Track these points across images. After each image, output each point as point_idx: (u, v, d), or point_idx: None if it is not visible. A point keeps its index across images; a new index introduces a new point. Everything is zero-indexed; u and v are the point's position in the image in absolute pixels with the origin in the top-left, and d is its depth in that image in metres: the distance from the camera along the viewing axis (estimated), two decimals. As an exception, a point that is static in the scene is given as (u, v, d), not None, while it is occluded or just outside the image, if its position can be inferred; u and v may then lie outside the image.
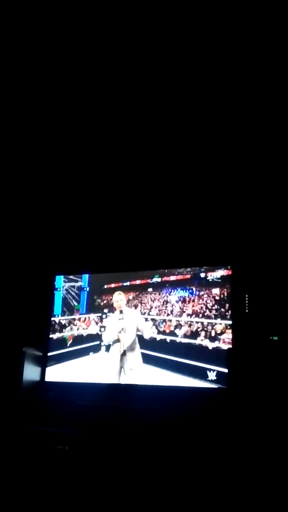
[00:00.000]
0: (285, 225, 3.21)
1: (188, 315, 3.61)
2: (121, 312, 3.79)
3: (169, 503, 2.63)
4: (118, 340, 3.75)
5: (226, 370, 3.07)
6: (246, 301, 3.18)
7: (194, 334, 3.49)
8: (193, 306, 3.61)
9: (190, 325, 3.56)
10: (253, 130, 2.94)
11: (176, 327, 3.61)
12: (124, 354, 3.70)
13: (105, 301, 3.95)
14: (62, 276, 4.15)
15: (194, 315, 3.58)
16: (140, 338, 3.68)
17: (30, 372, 3.72)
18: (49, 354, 3.94)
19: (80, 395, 3.62)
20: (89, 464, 2.96)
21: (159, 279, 3.82)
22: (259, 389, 2.67)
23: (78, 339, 3.96)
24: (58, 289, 4.13)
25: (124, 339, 3.74)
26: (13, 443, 3.22)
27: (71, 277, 4.13)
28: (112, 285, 3.95)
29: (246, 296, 3.18)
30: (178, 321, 3.59)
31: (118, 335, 3.75)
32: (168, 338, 3.60)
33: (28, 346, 3.71)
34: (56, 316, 4.08)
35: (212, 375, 3.28)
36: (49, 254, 4.06)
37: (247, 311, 3.16)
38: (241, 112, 2.82)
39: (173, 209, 3.65)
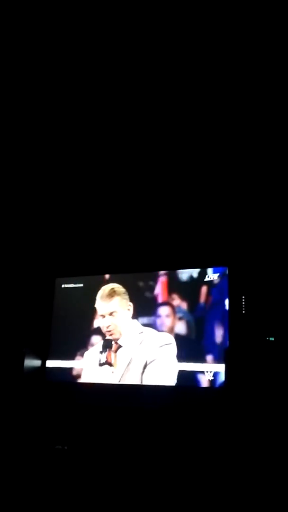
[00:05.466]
0: (283, 227, 3.17)
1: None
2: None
3: (169, 503, 2.59)
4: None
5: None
6: (243, 302, 3.17)
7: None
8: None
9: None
10: (251, 134, 2.90)
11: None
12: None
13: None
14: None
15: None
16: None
17: (31, 372, 3.64)
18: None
19: (80, 395, 3.58)
20: (88, 464, 2.93)
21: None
22: (256, 388, 2.72)
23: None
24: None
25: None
26: (12, 443, 3.18)
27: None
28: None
29: (243, 297, 3.17)
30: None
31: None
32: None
33: (28, 346, 3.65)
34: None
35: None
36: (50, 258, 4.06)
37: (243, 312, 3.14)
38: (237, 116, 2.78)
39: (175, 211, 3.61)
